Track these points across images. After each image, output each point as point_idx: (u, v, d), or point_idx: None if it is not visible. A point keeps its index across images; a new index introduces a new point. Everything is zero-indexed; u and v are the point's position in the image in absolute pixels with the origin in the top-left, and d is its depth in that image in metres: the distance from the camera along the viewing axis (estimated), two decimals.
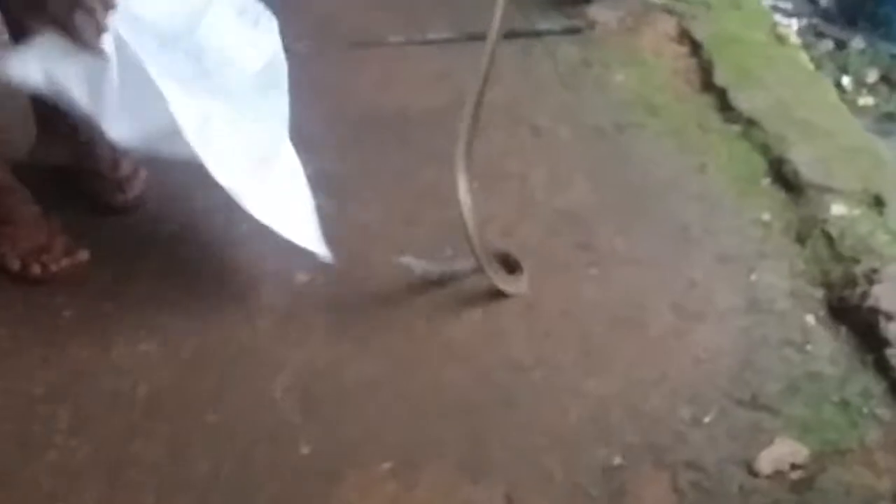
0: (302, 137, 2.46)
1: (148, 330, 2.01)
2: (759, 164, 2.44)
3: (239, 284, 2.12)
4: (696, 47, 2.85)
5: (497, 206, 2.30)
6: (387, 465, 1.77)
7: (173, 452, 1.79)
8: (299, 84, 2.66)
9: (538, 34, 2.90)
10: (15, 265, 2.08)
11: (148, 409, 1.87)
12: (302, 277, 2.13)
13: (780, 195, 2.34)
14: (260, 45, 2.15)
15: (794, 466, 1.74)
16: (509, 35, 2.85)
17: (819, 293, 2.09)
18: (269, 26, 2.18)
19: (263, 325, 2.03)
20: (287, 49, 2.76)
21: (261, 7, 2.18)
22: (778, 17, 3.39)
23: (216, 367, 1.95)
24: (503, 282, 2.08)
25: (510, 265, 2.12)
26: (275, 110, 2.13)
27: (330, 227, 2.23)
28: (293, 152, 2.13)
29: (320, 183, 2.34)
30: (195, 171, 2.35)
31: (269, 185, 2.03)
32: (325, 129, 2.52)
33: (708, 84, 2.71)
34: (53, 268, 2.08)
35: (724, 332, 2.02)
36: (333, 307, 2.08)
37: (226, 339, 2.00)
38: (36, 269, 2.08)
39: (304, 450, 1.80)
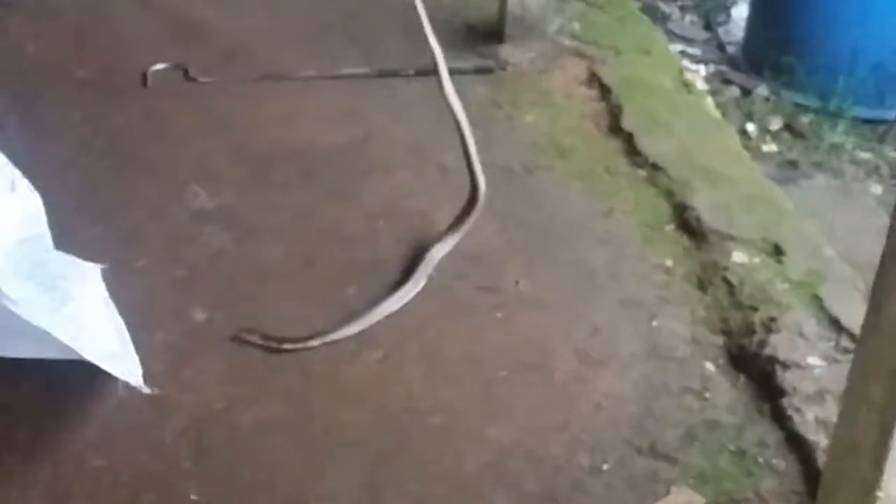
0: (205, 171, 2.42)
1: (31, 368, 1.91)
2: (664, 209, 2.46)
3: (132, 322, 2.04)
4: (605, 91, 2.87)
5: (402, 245, 2.27)
6: None
7: (55, 500, 1.71)
8: (204, 117, 2.63)
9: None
10: None
11: (28, 454, 1.78)
12: (199, 315, 2.07)
13: (684, 241, 2.36)
14: (16, 214, 1.89)
15: None
16: (420, 72, 2.87)
17: (719, 340, 2.11)
18: (30, 197, 1.92)
19: (157, 365, 1.96)
20: (193, 80, 2.74)
21: (18, 173, 1.93)
22: (686, 63, 3.46)
23: (102, 409, 1.87)
24: None
25: None
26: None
27: (229, 264, 2.19)
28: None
29: (221, 218, 2.30)
30: (89, 203, 2.30)
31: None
32: (228, 163, 2.48)
33: (616, 128, 2.73)
34: None
35: (626, 379, 2.01)
36: (231, 347, 2.02)
37: (115, 379, 1.92)
38: None
39: (193, 496, 1.73)
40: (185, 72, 2.77)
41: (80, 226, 2.25)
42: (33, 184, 2.24)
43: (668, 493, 1.77)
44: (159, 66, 2.77)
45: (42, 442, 1.80)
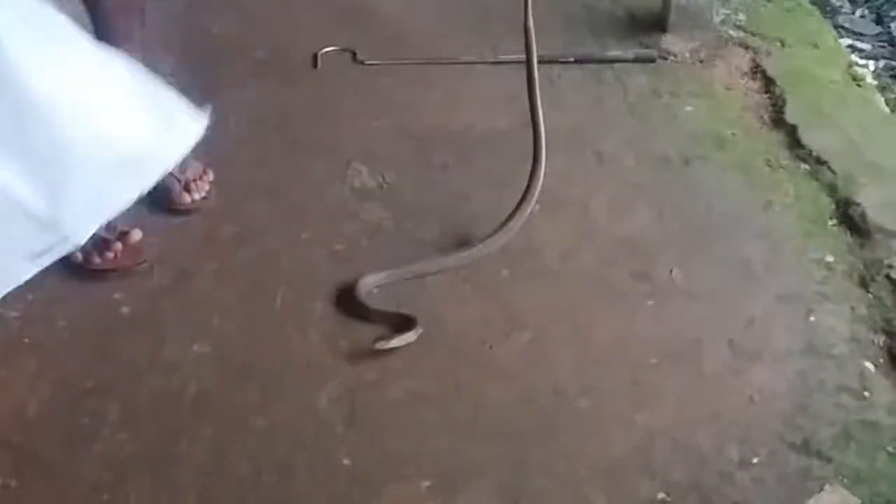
0: (368, 151, 2.50)
1: (202, 331, 2.03)
2: (826, 204, 2.39)
3: (294, 291, 2.13)
4: (768, 83, 2.80)
5: (556, 231, 2.29)
6: (426, 483, 1.76)
7: (217, 455, 1.81)
8: (369, 99, 2.71)
9: (610, 61, 2.88)
10: (77, 257, 2.12)
11: (195, 410, 1.89)
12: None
13: (846, 237, 2.29)
14: None
15: None
16: (580, 60, 2.88)
17: (880, 340, 2.04)
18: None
19: (316, 335, 2.04)
20: (360, 62, 2.83)
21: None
22: (854, 58, 3.33)
23: (266, 372, 1.96)
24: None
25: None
26: None
27: (386, 241, 2.26)
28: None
29: (381, 196, 2.37)
30: (260, 177, 2.42)
31: None
32: (391, 143, 2.54)
33: (778, 120, 2.67)
34: (110, 255, 2.12)
35: (780, 374, 1.98)
36: None
37: (277, 345, 2.02)
38: (96, 260, 2.12)
39: (345, 461, 1.80)
40: (353, 54, 2.85)
41: (250, 198, 2.36)
42: (211, 156, 2.37)
43: (821, 490, 1.74)
44: (329, 49, 2.86)
45: (209, 400, 1.90)
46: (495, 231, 2.19)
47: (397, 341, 1.98)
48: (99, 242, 2.13)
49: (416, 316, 2.03)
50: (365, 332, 2.03)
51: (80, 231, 1.70)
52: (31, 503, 1.74)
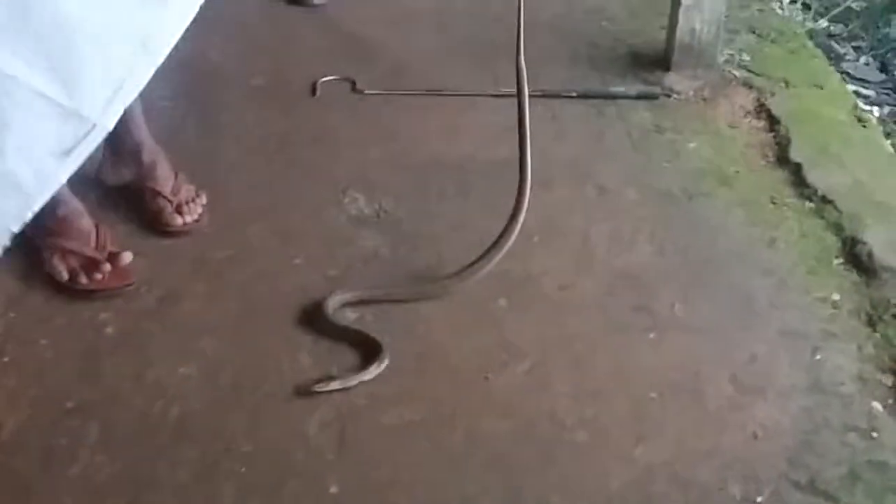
0: (365, 178, 2.47)
1: (189, 354, 1.98)
2: (832, 242, 2.34)
3: (285, 315, 2.08)
4: (773, 122, 2.77)
5: (556, 261, 2.25)
6: None
7: (199, 478, 1.74)
8: (367, 127, 2.69)
9: (613, 97, 2.86)
10: (63, 276, 2.07)
11: (178, 433, 1.82)
12: (351, 314, 2.09)
13: (852, 276, 2.24)
14: None
15: None
16: (583, 95, 2.85)
17: (889, 380, 1.98)
18: None
19: (306, 359, 1.99)
20: (360, 92, 2.81)
21: None
22: (859, 104, 3.31)
23: (254, 396, 1.90)
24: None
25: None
26: None
27: (382, 267, 2.21)
28: None
29: (377, 223, 2.33)
30: (254, 202, 2.38)
31: None
32: (388, 172, 2.51)
33: (783, 158, 2.63)
34: (98, 276, 2.07)
35: (784, 411, 1.91)
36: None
37: (266, 369, 1.96)
38: (83, 280, 2.07)
39: (333, 489, 1.74)
40: (353, 84, 2.83)
41: (243, 222, 2.32)
42: (206, 180, 2.35)
43: None
44: (328, 78, 2.84)
45: (193, 423, 1.84)
46: (471, 263, 2.14)
47: (338, 384, 1.91)
48: (87, 262, 2.09)
49: (381, 343, 1.98)
50: (356, 359, 1.97)
51: (104, 117, 1.65)
52: None
